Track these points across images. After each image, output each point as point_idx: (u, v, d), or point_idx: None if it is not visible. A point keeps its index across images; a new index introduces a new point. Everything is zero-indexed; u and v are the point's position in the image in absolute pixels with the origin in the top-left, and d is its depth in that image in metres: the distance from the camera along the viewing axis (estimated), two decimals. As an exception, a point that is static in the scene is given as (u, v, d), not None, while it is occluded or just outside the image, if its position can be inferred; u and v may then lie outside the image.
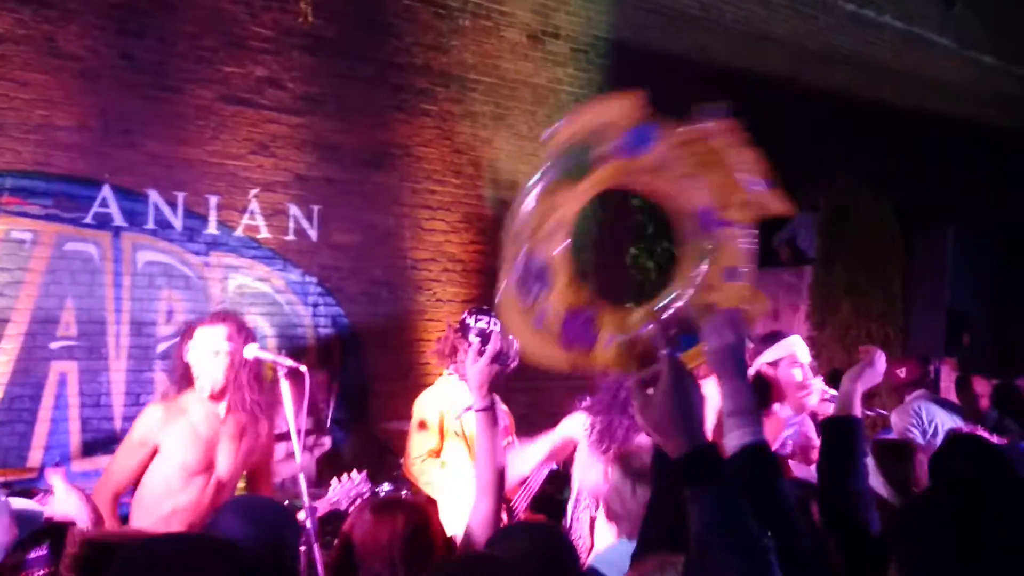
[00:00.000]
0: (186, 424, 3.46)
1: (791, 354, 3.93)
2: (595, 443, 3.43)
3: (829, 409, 3.86)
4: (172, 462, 3.43)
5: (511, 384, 2.68)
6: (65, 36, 5.42)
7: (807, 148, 8.25)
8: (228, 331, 3.46)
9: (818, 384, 3.87)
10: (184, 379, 3.50)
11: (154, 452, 3.45)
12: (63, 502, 2.57)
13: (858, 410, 2.54)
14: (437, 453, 4.38)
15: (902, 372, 5.31)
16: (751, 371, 3.97)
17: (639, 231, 7.52)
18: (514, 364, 2.55)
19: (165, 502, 3.42)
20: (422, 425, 4.41)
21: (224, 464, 3.51)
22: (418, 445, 4.39)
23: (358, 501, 3.65)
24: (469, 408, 2.69)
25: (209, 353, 3.42)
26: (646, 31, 7.90)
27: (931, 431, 4.82)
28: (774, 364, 3.97)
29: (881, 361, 2.69)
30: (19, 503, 2.50)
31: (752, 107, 8.64)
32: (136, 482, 3.45)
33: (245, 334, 3.51)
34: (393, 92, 6.70)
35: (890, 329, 6.80)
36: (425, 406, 4.46)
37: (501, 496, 2.53)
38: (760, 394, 3.94)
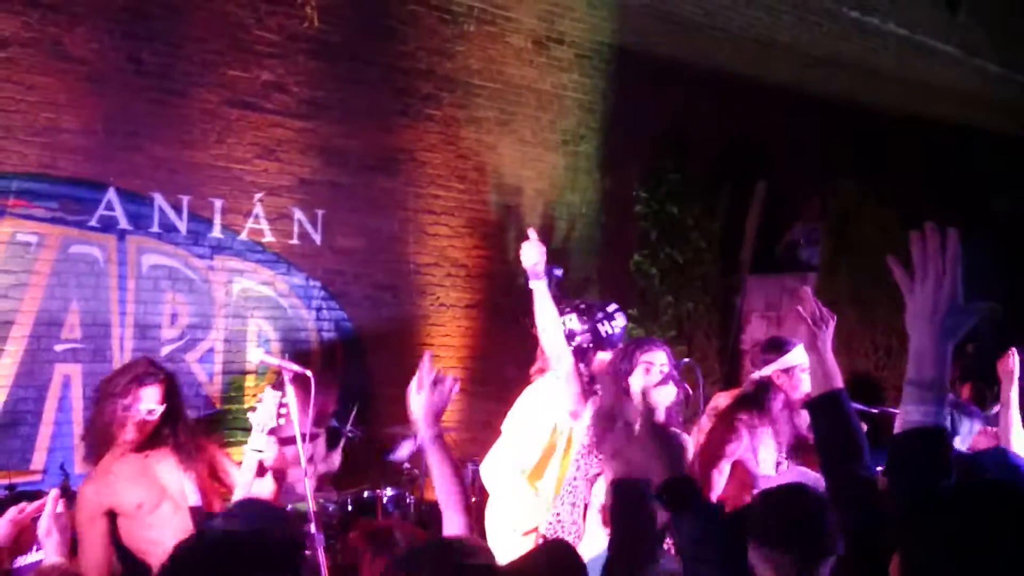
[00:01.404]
0: (130, 477, 3.36)
1: (801, 364, 3.98)
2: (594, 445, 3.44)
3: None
4: (130, 511, 3.34)
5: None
6: (72, 39, 5.44)
7: (811, 155, 8.26)
8: (161, 390, 3.38)
9: None
10: (106, 442, 3.36)
11: (109, 517, 3.33)
12: (43, 534, 2.50)
13: (838, 380, 2.34)
14: (532, 475, 3.91)
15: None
16: (758, 375, 4.00)
17: (642, 238, 7.52)
18: (454, 393, 2.58)
19: (156, 549, 3.28)
20: (525, 436, 3.93)
21: (179, 489, 3.41)
22: (513, 456, 3.91)
23: (283, 411, 3.47)
24: (419, 440, 2.64)
25: (144, 412, 3.34)
26: (651, 37, 7.91)
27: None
28: (787, 371, 4.00)
29: (831, 319, 2.49)
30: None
31: (756, 114, 8.70)
32: (109, 559, 3.33)
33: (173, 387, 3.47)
34: (398, 97, 6.71)
35: (894, 337, 6.79)
36: (534, 413, 3.95)
37: (470, 511, 2.52)
38: (762, 398, 3.97)
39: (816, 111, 8.61)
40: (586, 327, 3.86)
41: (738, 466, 3.90)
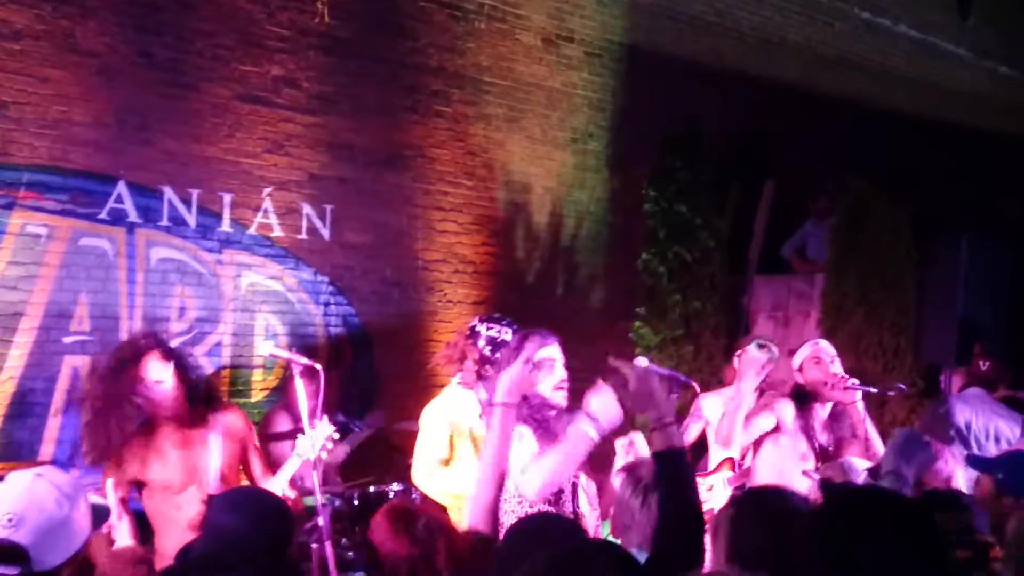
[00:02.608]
0: (156, 446, 3.51)
1: (811, 352, 4.08)
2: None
3: (852, 397, 4.05)
4: (156, 486, 3.50)
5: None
6: (84, 32, 5.45)
7: (820, 155, 8.25)
8: (171, 363, 3.51)
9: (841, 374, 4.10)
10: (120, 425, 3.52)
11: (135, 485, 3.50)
12: (116, 519, 2.57)
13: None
14: (447, 462, 4.30)
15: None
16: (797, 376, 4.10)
17: (650, 236, 7.51)
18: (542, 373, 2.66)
19: (170, 525, 3.48)
20: (431, 436, 4.31)
21: (207, 470, 3.53)
22: (426, 453, 4.30)
23: (328, 445, 3.65)
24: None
25: (153, 383, 3.45)
26: (660, 36, 7.91)
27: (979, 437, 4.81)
28: (800, 369, 4.08)
29: None
30: (95, 498, 2.51)
31: (766, 114, 8.69)
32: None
33: (177, 356, 3.57)
34: (407, 93, 6.71)
35: (902, 338, 6.77)
36: (433, 418, 4.35)
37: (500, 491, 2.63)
38: (802, 401, 4.06)
39: (826, 111, 8.60)
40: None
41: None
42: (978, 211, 7.83)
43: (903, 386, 4.83)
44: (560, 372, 3.24)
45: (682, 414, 4.90)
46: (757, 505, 2.32)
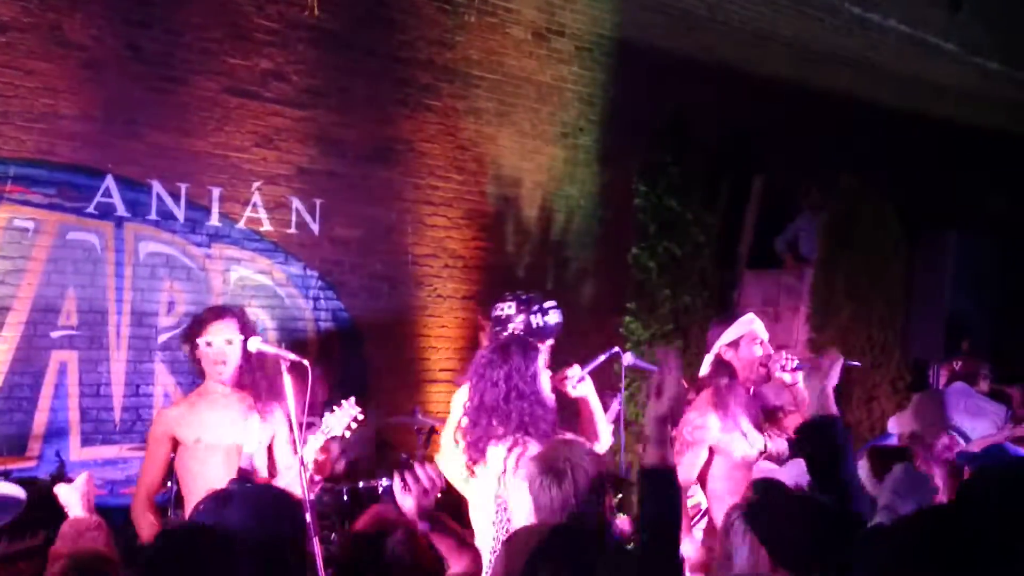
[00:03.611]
0: (201, 412, 3.66)
1: (750, 331, 4.00)
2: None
3: (790, 378, 3.96)
4: (189, 443, 3.61)
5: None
6: (71, 25, 5.42)
7: (810, 150, 8.26)
8: (238, 323, 3.70)
9: (777, 356, 4.00)
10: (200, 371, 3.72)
11: (174, 445, 3.64)
12: (69, 499, 2.59)
13: (833, 408, 2.73)
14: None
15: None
16: (712, 354, 4.04)
17: (641, 231, 7.52)
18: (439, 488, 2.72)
19: (197, 482, 3.54)
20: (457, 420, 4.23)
21: (237, 439, 3.61)
22: (451, 437, 4.10)
23: (353, 425, 3.71)
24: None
25: (223, 342, 3.65)
26: (651, 30, 7.90)
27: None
28: (734, 344, 4.02)
29: (840, 361, 2.91)
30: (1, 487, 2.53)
31: (756, 109, 8.68)
32: (164, 479, 3.69)
33: (250, 324, 3.78)
34: (397, 87, 6.69)
35: (890, 333, 6.79)
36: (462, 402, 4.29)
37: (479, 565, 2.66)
38: (722, 375, 4.00)
39: (816, 106, 8.60)
40: (521, 316, 3.99)
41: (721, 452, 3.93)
42: (967, 207, 7.86)
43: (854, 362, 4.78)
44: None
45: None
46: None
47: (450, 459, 3.88)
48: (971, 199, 8.31)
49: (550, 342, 4.00)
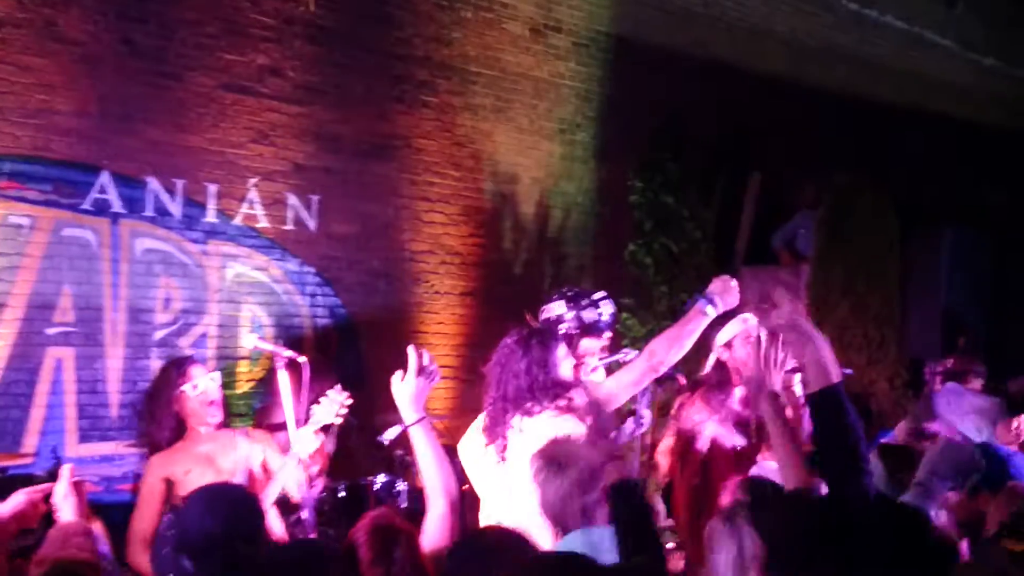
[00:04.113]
0: (195, 457, 3.61)
1: (743, 331, 3.98)
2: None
3: (791, 380, 3.85)
4: (187, 479, 3.53)
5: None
6: (66, 20, 5.39)
7: (807, 146, 8.26)
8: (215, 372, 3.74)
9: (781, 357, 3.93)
10: (178, 427, 3.65)
11: (168, 488, 3.55)
12: (60, 504, 2.56)
13: (836, 373, 2.53)
14: None
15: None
16: (713, 355, 4.02)
17: (637, 227, 7.52)
18: (437, 380, 2.64)
19: None
20: None
21: (233, 468, 3.63)
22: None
23: (342, 412, 3.75)
24: (403, 426, 2.72)
25: (209, 381, 3.64)
26: (648, 26, 7.89)
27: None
28: (728, 345, 4.01)
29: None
30: None
31: (753, 105, 8.68)
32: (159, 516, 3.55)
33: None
34: (394, 83, 6.68)
35: (886, 330, 6.80)
36: None
37: (455, 498, 2.61)
38: (721, 378, 4.00)
39: (812, 102, 8.61)
40: (572, 313, 3.83)
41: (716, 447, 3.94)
42: (963, 203, 7.87)
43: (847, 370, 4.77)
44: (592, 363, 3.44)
45: (667, 407, 4.91)
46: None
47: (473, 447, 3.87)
48: (967, 195, 8.32)
49: (608, 335, 3.88)
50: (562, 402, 3.29)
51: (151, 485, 3.56)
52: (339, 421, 3.72)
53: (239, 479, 3.55)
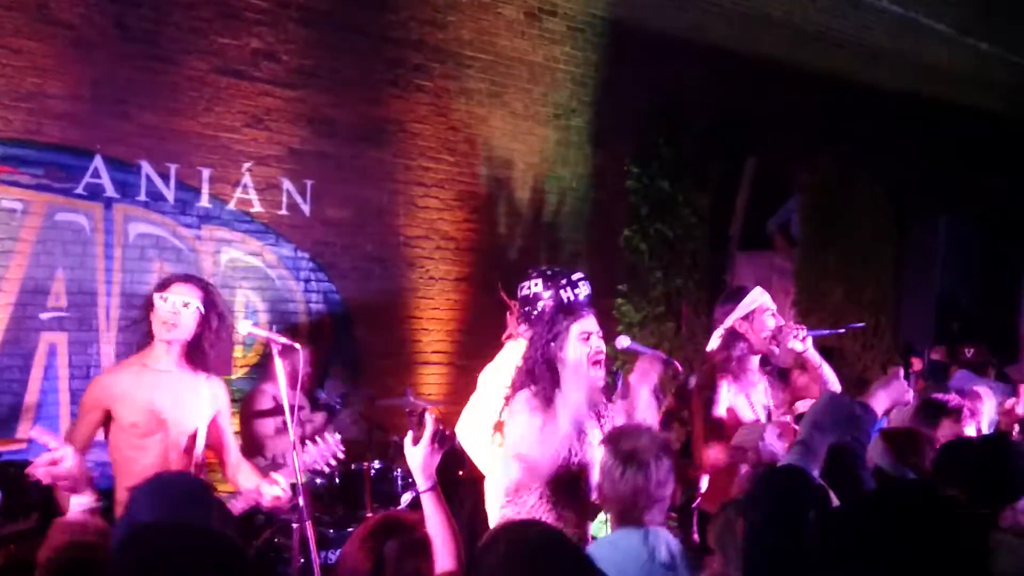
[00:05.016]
0: (136, 384, 3.48)
1: (761, 304, 4.08)
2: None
3: (801, 346, 4.02)
4: (123, 424, 3.45)
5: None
6: (58, 3, 5.35)
7: (802, 131, 8.25)
8: (202, 293, 3.55)
9: (788, 327, 4.05)
10: (148, 333, 3.54)
11: (104, 416, 3.47)
12: (63, 454, 2.46)
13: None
14: (500, 426, 3.87)
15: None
16: (723, 328, 4.06)
17: (632, 213, 7.51)
18: (448, 447, 2.64)
19: (131, 466, 3.44)
20: (488, 397, 3.92)
21: (178, 420, 3.51)
22: (480, 414, 3.89)
23: (333, 462, 3.68)
24: (415, 493, 2.73)
25: (179, 304, 3.48)
26: (643, 11, 7.85)
27: None
28: (747, 317, 4.09)
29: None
30: None
31: (748, 90, 8.64)
32: (87, 447, 3.46)
33: (216, 300, 3.60)
34: (388, 67, 6.64)
35: (881, 316, 6.82)
36: (493, 379, 3.95)
37: (462, 558, 2.57)
38: (735, 346, 4.05)
39: (808, 87, 8.58)
40: (550, 292, 3.87)
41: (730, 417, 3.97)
42: (958, 188, 7.87)
43: (858, 324, 4.84)
44: (596, 343, 3.30)
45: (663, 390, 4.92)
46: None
47: (474, 428, 3.87)
48: (961, 179, 8.32)
49: (587, 315, 3.90)
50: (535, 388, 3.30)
51: (87, 407, 3.48)
52: (326, 469, 3.68)
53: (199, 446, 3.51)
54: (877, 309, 6.84)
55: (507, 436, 3.31)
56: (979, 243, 6.57)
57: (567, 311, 3.44)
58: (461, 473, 5.05)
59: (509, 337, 4.09)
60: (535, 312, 3.82)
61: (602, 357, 3.32)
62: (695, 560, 2.69)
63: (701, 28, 8.15)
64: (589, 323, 3.34)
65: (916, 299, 6.42)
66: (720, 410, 3.95)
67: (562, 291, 3.86)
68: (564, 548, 1.90)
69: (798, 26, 8.89)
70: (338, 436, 3.77)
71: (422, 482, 2.59)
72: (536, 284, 3.89)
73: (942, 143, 9.02)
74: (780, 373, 4.22)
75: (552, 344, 3.32)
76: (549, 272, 3.97)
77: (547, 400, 3.22)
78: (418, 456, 2.59)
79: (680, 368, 4.48)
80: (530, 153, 7.40)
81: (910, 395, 2.91)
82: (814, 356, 4.09)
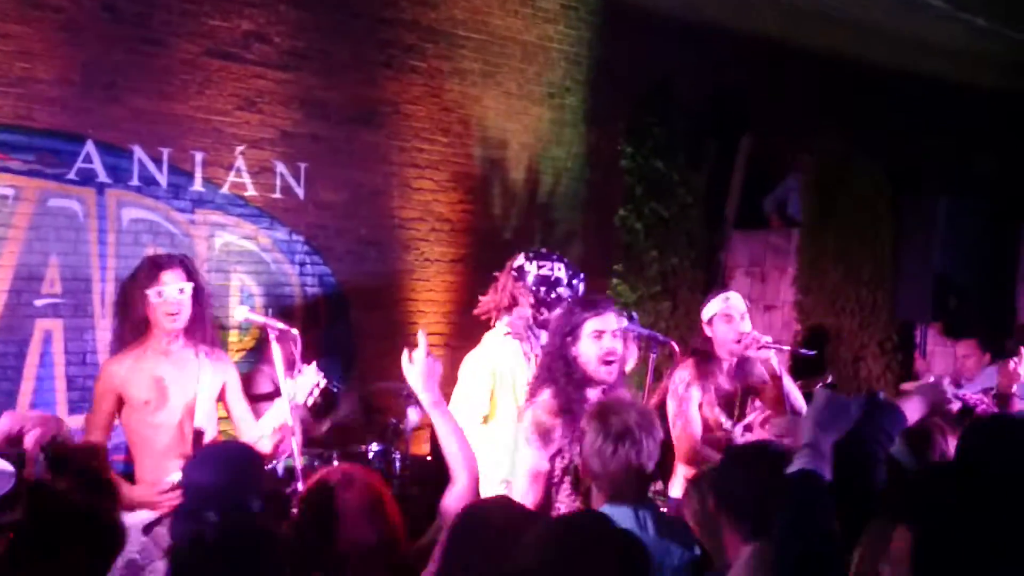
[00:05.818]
0: (141, 364, 3.53)
1: (723, 309, 4.12)
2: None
3: (766, 355, 4.04)
4: (136, 404, 3.51)
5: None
6: (46, -14, 5.30)
7: (798, 110, 8.21)
8: (185, 271, 3.57)
9: (754, 334, 4.06)
10: (143, 324, 3.55)
11: (118, 400, 3.52)
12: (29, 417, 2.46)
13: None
14: (487, 420, 3.93)
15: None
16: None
17: (627, 192, 7.48)
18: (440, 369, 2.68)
19: (149, 445, 3.52)
20: (471, 389, 3.96)
21: (186, 393, 3.56)
22: (464, 408, 3.88)
23: (315, 393, 3.64)
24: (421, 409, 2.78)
25: (176, 292, 3.50)
26: (638, -11, 7.79)
27: None
28: (710, 323, 4.14)
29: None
30: None
31: (744, 68, 8.59)
32: (108, 432, 3.55)
33: (195, 271, 3.65)
34: (381, 48, 6.59)
35: (879, 294, 6.80)
36: (475, 369, 3.97)
37: (476, 472, 2.64)
38: (703, 349, 4.10)
39: (804, 66, 8.54)
40: (533, 265, 3.95)
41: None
42: (956, 167, 7.84)
43: (830, 378, 4.96)
44: (608, 343, 3.25)
45: (660, 372, 4.92)
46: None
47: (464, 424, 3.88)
48: (960, 158, 8.29)
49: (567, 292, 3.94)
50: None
51: (101, 395, 3.53)
52: (310, 401, 3.66)
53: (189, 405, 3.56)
54: (875, 287, 6.82)
55: (524, 420, 3.29)
56: (978, 219, 6.55)
57: (585, 304, 3.39)
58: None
59: (487, 316, 4.11)
60: (552, 296, 3.83)
61: (614, 357, 3.27)
62: (685, 533, 2.70)
63: (696, 6, 8.09)
64: (605, 321, 3.27)
65: (913, 276, 6.40)
66: (692, 409, 4.02)
67: (542, 270, 3.92)
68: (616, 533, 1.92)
69: (793, 3, 8.82)
70: (315, 364, 3.72)
71: (426, 398, 2.60)
72: (559, 268, 3.91)
73: (939, 120, 8.98)
74: (749, 387, 4.18)
75: (568, 338, 3.29)
76: (532, 253, 4.04)
77: (565, 406, 3.21)
78: (418, 371, 2.59)
79: (677, 348, 4.50)
80: (524, 133, 7.37)
81: (955, 405, 2.90)
82: (776, 367, 4.08)
